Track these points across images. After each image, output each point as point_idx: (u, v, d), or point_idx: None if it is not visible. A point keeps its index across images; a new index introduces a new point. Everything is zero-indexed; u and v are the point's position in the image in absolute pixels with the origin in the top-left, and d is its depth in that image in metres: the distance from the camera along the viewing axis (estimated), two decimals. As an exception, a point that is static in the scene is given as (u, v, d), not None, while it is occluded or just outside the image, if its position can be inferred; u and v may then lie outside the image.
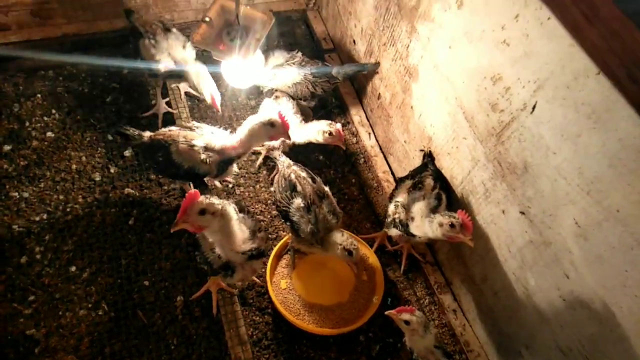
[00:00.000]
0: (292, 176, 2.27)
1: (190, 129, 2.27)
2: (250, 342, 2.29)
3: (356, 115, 3.09)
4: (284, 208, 2.25)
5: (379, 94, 2.84)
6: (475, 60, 1.93)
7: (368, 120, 3.06)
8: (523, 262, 1.93)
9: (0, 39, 2.96)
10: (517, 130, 1.78)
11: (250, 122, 2.15)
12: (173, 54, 2.59)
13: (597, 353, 1.69)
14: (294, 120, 2.64)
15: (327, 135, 2.56)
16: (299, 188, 2.22)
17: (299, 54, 2.76)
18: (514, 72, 1.74)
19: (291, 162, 2.39)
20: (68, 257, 2.45)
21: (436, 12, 2.13)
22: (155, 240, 2.55)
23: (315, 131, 2.59)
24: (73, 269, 2.42)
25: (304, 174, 2.29)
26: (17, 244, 2.45)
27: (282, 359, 2.30)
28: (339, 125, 2.57)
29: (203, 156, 2.19)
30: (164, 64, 2.56)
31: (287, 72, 2.71)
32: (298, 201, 2.18)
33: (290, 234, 2.42)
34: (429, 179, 2.22)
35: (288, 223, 2.26)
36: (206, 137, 2.23)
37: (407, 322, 1.89)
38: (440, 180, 2.24)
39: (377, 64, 2.77)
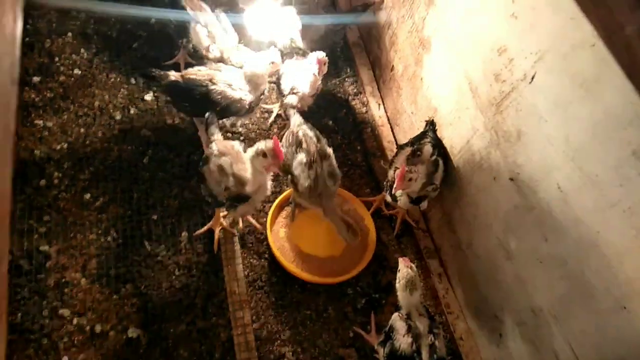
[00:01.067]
0: (300, 133, 2.41)
1: (218, 70, 2.43)
2: (245, 280, 2.44)
3: (368, 85, 3.20)
4: (287, 161, 2.38)
5: (393, 65, 2.95)
6: (485, 32, 2.04)
7: (379, 92, 3.18)
8: (507, 226, 2.05)
9: (37, -23, 3.11)
10: (515, 99, 1.90)
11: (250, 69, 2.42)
12: (220, 42, 2.70)
13: (564, 312, 1.82)
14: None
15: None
16: (304, 145, 2.35)
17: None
18: (519, 44, 1.85)
19: (302, 121, 2.52)
20: (84, 185, 2.61)
21: (454, -15, 2.23)
22: (167, 179, 2.70)
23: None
24: (87, 196, 2.58)
25: (311, 134, 2.42)
26: (37, 168, 2.61)
27: (274, 299, 2.46)
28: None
29: (239, 95, 2.38)
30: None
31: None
32: (301, 156, 2.32)
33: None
34: (428, 145, 2.33)
35: (289, 176, 2.40)
36: (239, 77, 2.45)
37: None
38: (439, 147, 2.36)
39: (372, 3, 2.95)
